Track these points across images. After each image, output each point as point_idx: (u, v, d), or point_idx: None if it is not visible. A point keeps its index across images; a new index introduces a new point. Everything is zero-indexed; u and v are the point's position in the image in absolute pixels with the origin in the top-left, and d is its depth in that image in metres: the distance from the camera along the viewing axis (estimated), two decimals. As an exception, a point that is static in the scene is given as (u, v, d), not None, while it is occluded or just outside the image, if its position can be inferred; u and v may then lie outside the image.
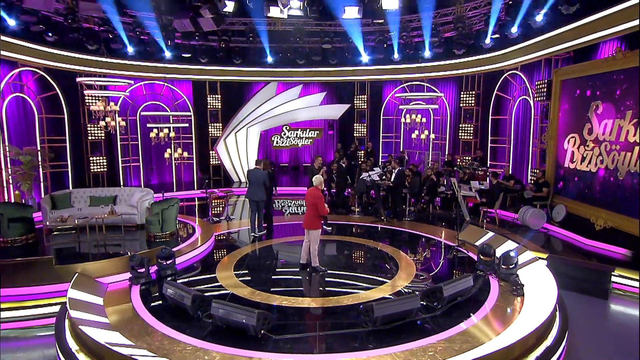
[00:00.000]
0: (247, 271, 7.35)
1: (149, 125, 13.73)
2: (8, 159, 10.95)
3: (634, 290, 6.71)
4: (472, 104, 15.02)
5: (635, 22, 7.87)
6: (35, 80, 12.58)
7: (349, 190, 12.76)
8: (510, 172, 12.75)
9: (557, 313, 5.61)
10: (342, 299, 6.12)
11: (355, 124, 17.37)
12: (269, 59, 15.55)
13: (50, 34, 11.45)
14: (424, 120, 14.33)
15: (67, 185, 13.33)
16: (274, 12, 10.44)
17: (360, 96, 17.19)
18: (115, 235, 8.86)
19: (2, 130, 11.01)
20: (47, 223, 8.73)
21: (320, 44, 14.36)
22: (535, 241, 8.70)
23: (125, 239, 8.85)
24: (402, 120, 14.93)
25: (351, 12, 10.93)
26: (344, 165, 12.46)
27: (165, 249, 7.25)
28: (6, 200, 10.75)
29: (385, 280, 6.89)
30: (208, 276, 7.21)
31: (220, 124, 16.56)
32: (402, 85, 16.39)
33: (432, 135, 15.28)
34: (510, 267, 6.75)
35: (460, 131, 15.36)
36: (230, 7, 10.92)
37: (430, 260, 8.11)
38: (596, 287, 6.81)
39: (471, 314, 5.56)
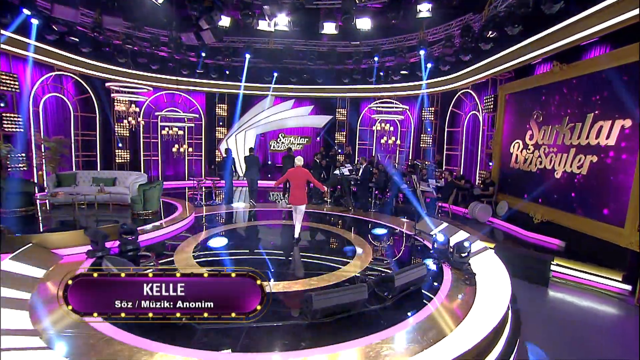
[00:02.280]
0: (206, 252, 5.56)
1: (161, 124, 11.94)
2: (41, 145, 9.34)
3: (570, 278, 5.62)
4: (432, 118, 13.17)
5: (567, 41, 6.67)
6: (73, 83, 11.16)
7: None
8: (461, 174, 10.91)
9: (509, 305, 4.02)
10: (292, 284, 4.24)
11: (336, 133, 15.61)
12: (267, 77, 13.95)
13: (83, 46, 9.86)
14: (391, 128, 12.55)
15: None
16: (263, 25, 8.61)
17: (341, 110, 15.47)
18: (104, 212, 7.31)
19: (38, 123, 9.77)
20: (37, 197, 6.91)
21: (308, 64, 12.55)
22: (483, 233, 7.16)
23: (112, 215, 7.27)
24: (374, 128, 13.11)
25: (329, 28, 9.09)
26: (318, 162, 10.63)
27: (127, 225, 5.48)
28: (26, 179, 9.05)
29: (339, 266, 5.01)
30: (168, 256, 5.40)
31: (225, 129, 15.07)
32: (375, 102, 14.53)
33: (398, 142, 13.41)
34: (463, 255, 4.90)
35: (421, 141, 13.53)
36: (225, 21, 9.13)
37: (390, 248, 6.36)
38: (537, 275, 5.44)
39: (425, 304, 3.91)
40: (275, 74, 13.79)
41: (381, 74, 12.79)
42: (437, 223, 7.18)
